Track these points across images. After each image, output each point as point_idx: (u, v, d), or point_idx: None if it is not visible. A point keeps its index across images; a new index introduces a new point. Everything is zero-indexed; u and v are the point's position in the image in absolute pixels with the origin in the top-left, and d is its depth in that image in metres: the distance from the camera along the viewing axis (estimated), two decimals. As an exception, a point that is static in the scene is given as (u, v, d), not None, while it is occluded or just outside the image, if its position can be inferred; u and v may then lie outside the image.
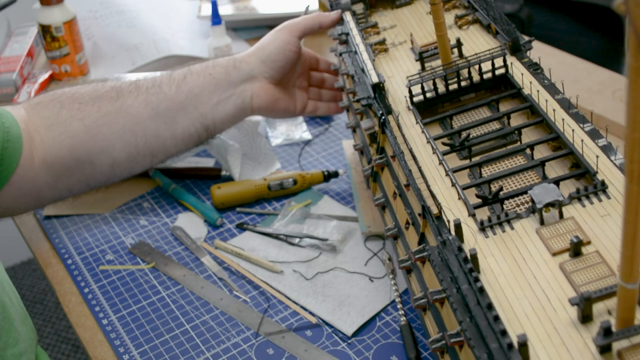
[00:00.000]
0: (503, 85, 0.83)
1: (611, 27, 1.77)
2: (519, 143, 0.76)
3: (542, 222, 0.64)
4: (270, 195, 1.05)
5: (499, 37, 0.88)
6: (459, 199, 0.69)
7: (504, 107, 0.81)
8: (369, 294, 0.88)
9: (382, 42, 0.96)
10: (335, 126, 1.21)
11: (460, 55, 0.87)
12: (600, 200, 0.65)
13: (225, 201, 1.04)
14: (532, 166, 0.71)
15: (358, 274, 0.91)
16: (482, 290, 0.56)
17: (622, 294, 0.51)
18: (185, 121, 0.96)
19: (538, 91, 0.78)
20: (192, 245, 0.98)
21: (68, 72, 1.36)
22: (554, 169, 0.71)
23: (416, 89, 0.84)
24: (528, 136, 0.77)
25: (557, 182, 0.68)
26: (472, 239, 0.64)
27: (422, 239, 0.70)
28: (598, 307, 0.55)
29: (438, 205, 0.66)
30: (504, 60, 0.82)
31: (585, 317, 0.55)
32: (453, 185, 0.70)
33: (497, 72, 0.83)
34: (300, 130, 1.20)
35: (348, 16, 1.01)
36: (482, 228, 0.65)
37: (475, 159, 0.75)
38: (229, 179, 1.09)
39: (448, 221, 0.65)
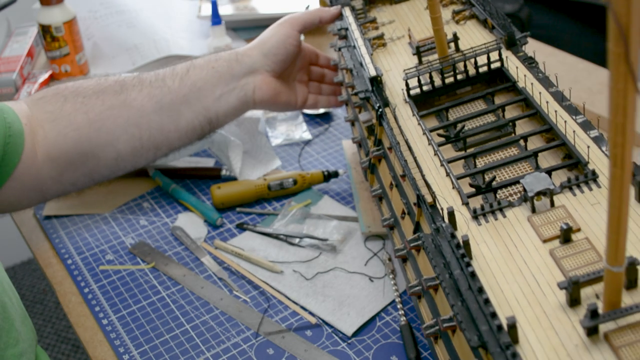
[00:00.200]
0: (498, 78, 0.85)
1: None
2: (513, 135, 0.77)
3: (533, 210, 0.65)
4: (270, 195, 1.05)
5: (495, 32, 0.89)
6: (453, 188, 0.70)
7: (499, 99, 0.82)
8: (369, 294, 0.88)
9: (381, 36, 0.97)
10: (335, 126, 1.21)
11: (457, 49, 0.88)
12: (590, 189, 0.66)
13: (225, 201, 1.04)
14: (525, 157, 0.72)
15: (358, 274, 0.91)
16: (473, 275, 0.57)
17: (609, 277, 0.52)
18: (188, 114, 0.96)
19: (532, 84, 0.79)
20: (192, 245, 0.99)
21: (68, 72, 1.36)
22: (547, 160, 0.73)
23: (413, 82, 0.85)
24: (522, 128, 0.78)
25: (549, 172, 0.69)
26: (465, 226, 0.66)
27: (417, 227, 0.71)
28: (586, 292, 0.57)
29: (432, 194, 0.68)
30: (500, 54, 0.84)
31: (574, 301, 0.56)
32: (448, 175, 0.72)
33: (493, 66, 0.84)
34: (300, 130, 1.20)
35: (347, 11, 1.02)
36: (475, 216, 0.66)
37: (470, 150, 0.76)
38: (229, 179, 1.09)
39: (442, 209, 0.66)
